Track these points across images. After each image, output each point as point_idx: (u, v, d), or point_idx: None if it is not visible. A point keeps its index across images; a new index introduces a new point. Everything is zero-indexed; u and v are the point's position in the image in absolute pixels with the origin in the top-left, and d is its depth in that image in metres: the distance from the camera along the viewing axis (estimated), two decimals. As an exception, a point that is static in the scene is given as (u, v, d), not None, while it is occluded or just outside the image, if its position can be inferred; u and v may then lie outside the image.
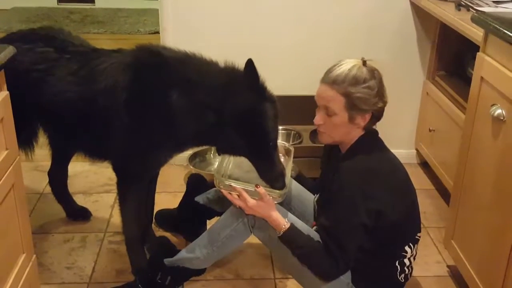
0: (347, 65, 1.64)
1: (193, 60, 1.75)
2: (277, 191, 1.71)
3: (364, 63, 1.65)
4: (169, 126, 1.72)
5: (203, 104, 1.64)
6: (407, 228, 1.73)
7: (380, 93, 1.66)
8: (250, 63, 1.62)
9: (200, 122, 1.66)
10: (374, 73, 1.65)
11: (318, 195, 1.86)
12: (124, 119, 1.73)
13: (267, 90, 1.68)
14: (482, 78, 1.78)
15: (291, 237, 1.68)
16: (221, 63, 1.72)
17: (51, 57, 1.83)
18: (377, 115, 1.69)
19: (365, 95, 1.62)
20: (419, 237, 1.77)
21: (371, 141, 1.72)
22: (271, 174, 1.71)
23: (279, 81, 2.66)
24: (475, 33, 1.97)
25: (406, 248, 1.71)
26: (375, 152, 1.70)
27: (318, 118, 1.70)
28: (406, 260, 1.73)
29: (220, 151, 1.79)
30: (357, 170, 1.64)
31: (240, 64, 1.66)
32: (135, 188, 1.90)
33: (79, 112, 1.81)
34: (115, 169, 1.89)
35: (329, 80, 1.65)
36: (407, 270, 1.75)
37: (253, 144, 1.67)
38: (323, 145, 1.90)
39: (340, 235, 1.62)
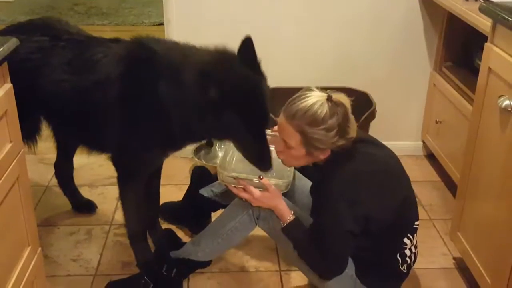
0: (310, 100, 1.55)
1: (180, 47, 1.72)
2: (281, 181, 1.70)
3: (330, 98, 1.55)
4: (160, 120, 1.68)
5: (193, 86, 1.55)
6: (402, 222, 1.70)
7: (342, 131, 1.56)
8: (249, 40, 1.57)
9: (192, 104, 1.57)
10: (336, 110, 1.54)
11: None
12: (116, 113, 1.72)
13: (261, 67, 1.63)
14: (490, 69, 1.76)
15: (293, 231, 1.68)
16: (212, 47, 1.65)
17: (46, 45, 1.81)
18: (339, 149, 1.59)
19: (321, 136, 1.55)
20: (417, 225, 1.74)
21: (353, 141, 1.62)
22: (262, 156, 1.65)
23: (284, 72, 2.68)
24: (483, 23, 1.94)
25: (405, 240, 1.70)
26: (359, 152, 1.63)
27: (278, 145, 1.65)
28: (407, 251, 1.71)
29: (214, 137, 1.71)
30: (341, 179, 1.58)
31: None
32: (134, 183, 1.89)
33: (75, 103, 1.79)
34: (113, 164, 1.88)
35: (289, 113, 1.58)
36: (409, 260, 1.74)
37: (251, 123, 1.59)
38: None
39: (329, 244, 1.61)
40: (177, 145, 1.84)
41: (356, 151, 1.63)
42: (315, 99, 1.56)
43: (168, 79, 1.64)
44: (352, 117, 1.60)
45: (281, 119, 1.62)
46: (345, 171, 1.59)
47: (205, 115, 1.57)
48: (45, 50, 1.80)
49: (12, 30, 1.88)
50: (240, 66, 1.59)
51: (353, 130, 1.60)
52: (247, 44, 1.59)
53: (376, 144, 1.71)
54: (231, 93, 1.54)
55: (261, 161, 1.66)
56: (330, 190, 1.58)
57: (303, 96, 1.58)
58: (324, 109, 1.54)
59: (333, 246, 1.61)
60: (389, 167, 1.68)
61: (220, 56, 1.61)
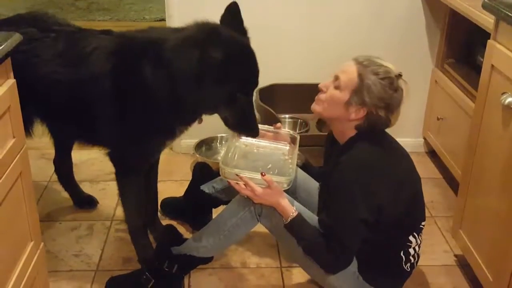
0: (384, 63, 1.65)
1: (157, 29, 1.77)
2: (283, 178, 1.70)
3: (398, 76, 1.64)
4: (152, 105, 1.68)
5: (188, 54, 1.56)
6: (411, 219, 1.71)
7: (388, 105, 1.62)
8: (234, 5, 1.63)
9: (187, 74, 1.58)
10: (397, 88, 1.63)
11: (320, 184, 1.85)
12: (109, 107, 1.71)
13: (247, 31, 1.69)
14: (492, 66, 1.75)
15: (296, 227, 1.68)
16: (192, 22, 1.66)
17: (35, 37, 1.78)
18: (371, 121, 1.64)
19: (375, 88, 1.60)
20: (423, 226, 1.76)
21: (370, 132, 1.67)
22: (252, 122, 1.70)
23: (287, 69, 2.68)
24: (486, 20, 1.94)
25: (411, 238, 1.71)
26: (375, 143, 1.66)
27: (325, 83, 1.71)
28: (411, 250, 1.72)
29: (206, 108, 1.71)
30: (357, 166, 1.61)
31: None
32: (133, 177, 1.89)
33: (68, 97, 1.77)
34: (111, 159, 1.87)
35: (359, 59, 1.66)
36: (412, 259, 1.74)
37: (246, 85, 1.64)
38: (327, 133, 1.88)
39: (341, 233, 1.62)
40: (172, 132, 1.81)
41: (376, 138, 1.67)
42: (389, 66, 1.65)
43: (153, 59, 1.64)
44: (400, 110, 1.67)
45: (350, 61, 1.67)
46: (362, 162, 1.62)
47: (204, 80, 1.56)
48: (35, 42, 1.77)
49: None
50: (229, 29, 1.62)
51: (394, 118, 1.67)
52: (233, 9, 1.62)
53: (391, 138, 1.74)
54: (232, 53, 1.57)
55: (252, 127, 1.70)
56: (346, 175, 1.60)
57: (380, 58, 1.67)
58: (392, 77, 1.62)
59: (344, 236, 1.61)
60: (404, 162, 1.70)
61: (206, 24, 1.63)
